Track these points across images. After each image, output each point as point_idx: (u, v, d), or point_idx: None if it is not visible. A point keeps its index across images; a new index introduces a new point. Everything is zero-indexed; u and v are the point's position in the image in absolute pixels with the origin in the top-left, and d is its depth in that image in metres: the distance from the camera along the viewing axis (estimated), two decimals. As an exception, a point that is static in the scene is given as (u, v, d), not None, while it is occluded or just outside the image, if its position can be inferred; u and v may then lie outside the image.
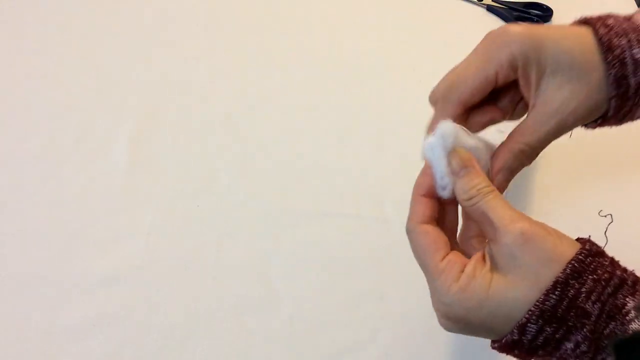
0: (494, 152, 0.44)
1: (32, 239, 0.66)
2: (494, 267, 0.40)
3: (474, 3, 0.80)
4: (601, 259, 0.38)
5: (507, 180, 0.44)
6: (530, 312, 0.38)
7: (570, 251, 0.38)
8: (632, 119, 0.44)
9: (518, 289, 0.38)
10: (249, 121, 0.71)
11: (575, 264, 0.37)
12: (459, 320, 0.41)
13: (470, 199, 0.41)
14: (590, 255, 0.38)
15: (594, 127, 0.46)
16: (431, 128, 0.45)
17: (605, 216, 0.42)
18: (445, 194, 0.42)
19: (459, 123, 0.43)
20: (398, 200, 0.67)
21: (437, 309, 0.42)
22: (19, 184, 0.68)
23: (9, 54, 0.74)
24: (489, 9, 0.80)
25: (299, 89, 0.73)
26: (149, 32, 0.75)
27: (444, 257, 0.41)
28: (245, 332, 0.63)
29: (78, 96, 0.72)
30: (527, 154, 0.43)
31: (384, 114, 0.71)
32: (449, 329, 0.42)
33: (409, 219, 0.44)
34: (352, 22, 0.76)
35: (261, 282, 0.64)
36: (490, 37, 0.44)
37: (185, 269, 0.65)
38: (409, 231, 0.43)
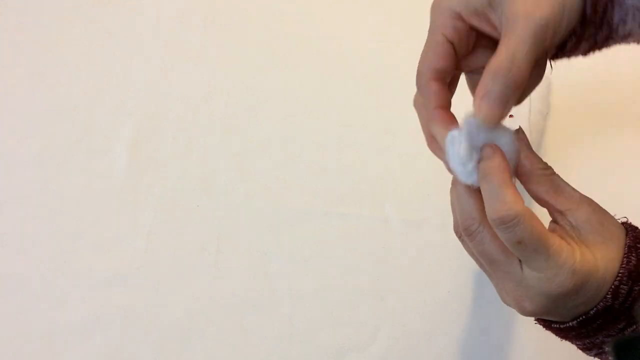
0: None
1: (32, 239, 0.66)
2: (577, 234, 0.41)
3: (474, 3, 0.80)
4: None
5: (493, 108, 0.38)
6: (620, 275, 0.39)
7: (620, 223, 0.42)
8: (611, 30, 0.41)
9: (613, 249, 0.40)
10: (248, 121, 0.71)
11: (634, 232, 0.41)
12: (577, 291, 0.39)
13: (548, 168, 0.42)
14: (635, 228, 0.42)
15: (576, 50, 0.42)
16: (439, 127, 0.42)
17: (620, 219, 0.43)
18: (473, 179, 0.41)
19: (445, 100, 0.42)
20: (398, 200, 0.67)
21: (560, 286, 0.39)
22: (19, 184, 0.68)
23: (9, 54, 0.74)
24: (489, 8, 0.80)
25: (299, 88, 0.73)
26: (149, 32, 0.75)
27: (552, 234, 0.40)
28: (245, 332, 0.63)
29: (78, 96, 0.72)
30: (506, 69, 0.38)
31: (384, 114, 0.71)
32: (552, 306, 0.41)
33: (515, 204, 0.38)
34: (352, 21, 0.76)
35: (261, 282, 0.64)
36: (430, 14, 0.42)
37: (185, 269, 0.65)
38: (522, 218, 0.38)
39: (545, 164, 0.42)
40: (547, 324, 0.44)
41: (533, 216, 0.39)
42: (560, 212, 0.41)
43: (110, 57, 0.74)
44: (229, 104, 0.72)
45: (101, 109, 0.72)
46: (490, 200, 0.39)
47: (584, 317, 0.40)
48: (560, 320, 0.42)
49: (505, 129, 0.41)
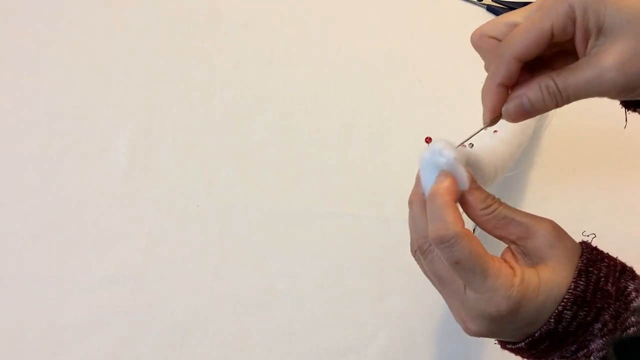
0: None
1: (32, 239, 0.66)
2: (530, 260, 0.42)
3: (473, 3, 0.80)
4: (599, 251, 0.42)
5: (519, 114, 0.41)
6: (565, 300, 0.39)
7: (577, 244, 0.42)
8: None
9: (562, 273, 0.40)
10: (248, 121, 0.71)
11: (588, 255, 0.41)
12: (513, 315, 0.40)
13: (489, 206, 0.42)
14: (593, 249, 0.42)
15: None
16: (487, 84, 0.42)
17: (589, 235, 0.44)
18: None
19: (511, 80, 0.41)
20: (398, 200, 0.67)
21: (496, 309, 0.40)
22: (19, 184, 0.68)
23: (9, 54, 0.74)
24: (489, 9, 0.81)
25: (299, 88, 0.73)
26: (149, 32, 0.75)
27: (492, 257, 0.41)
28: (245, 332, 0.63)
29: (78, 96, 0.72)
30: (549, 92, 0.39)
31: (384, 114, 0.71)
32: (494, 329, 0.41)
33: (454, 225, 0.40)
34: (352, 21, 0.76)
35: (261, 282, 0.65)
36: None
37: (185, 269, 0.65)
38: (459, 238, 0.39)
39: (488, 200, 0.42)
40: (503, 344, 0.44)
41: (472, 237, 0.40)
42: (513, 242, 0.43)
43: (110, 57, 0.74)
44: (229, 104, 0.72)
45: (101, 109, 0.72)
46: (432, 220, 0.41)
47: (530, 339, 0.41)
48: (512, 340, 0.43)
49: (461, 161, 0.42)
